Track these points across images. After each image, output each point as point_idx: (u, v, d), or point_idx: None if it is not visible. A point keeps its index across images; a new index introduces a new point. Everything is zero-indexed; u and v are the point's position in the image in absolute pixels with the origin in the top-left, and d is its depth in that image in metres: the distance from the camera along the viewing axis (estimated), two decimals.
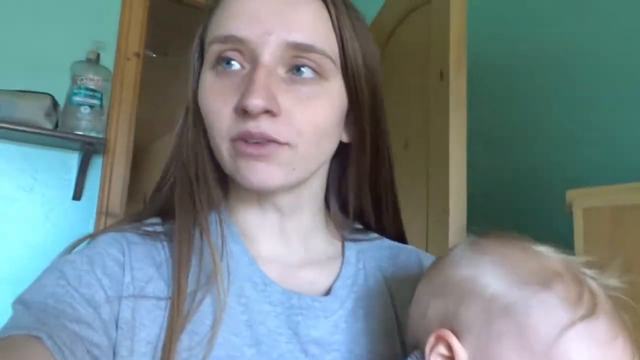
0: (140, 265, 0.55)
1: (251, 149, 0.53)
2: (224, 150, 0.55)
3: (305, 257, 0.62)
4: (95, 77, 1.85)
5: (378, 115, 0.61)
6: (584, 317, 0.44)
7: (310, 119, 0.54)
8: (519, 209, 1.55)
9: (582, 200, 1.13)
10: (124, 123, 2.03)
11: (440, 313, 0.49)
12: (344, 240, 0.65)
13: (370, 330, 0.58)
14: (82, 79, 1.83)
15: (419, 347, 0.50)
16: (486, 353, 0.45)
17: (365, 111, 0.59)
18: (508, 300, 0.45)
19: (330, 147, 0.59)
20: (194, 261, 0.55)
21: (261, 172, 0.54)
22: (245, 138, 0.53)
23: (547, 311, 0.44)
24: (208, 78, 0.56)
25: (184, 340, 0.51)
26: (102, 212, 1.95)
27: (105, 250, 0.56)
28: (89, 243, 0.58)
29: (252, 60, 0.53)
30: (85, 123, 1.80)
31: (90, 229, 1.94)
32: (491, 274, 0.47)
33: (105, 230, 0.60)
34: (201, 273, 0.54)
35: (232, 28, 0.54)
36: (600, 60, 1.52)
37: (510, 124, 1.59)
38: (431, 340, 0.47)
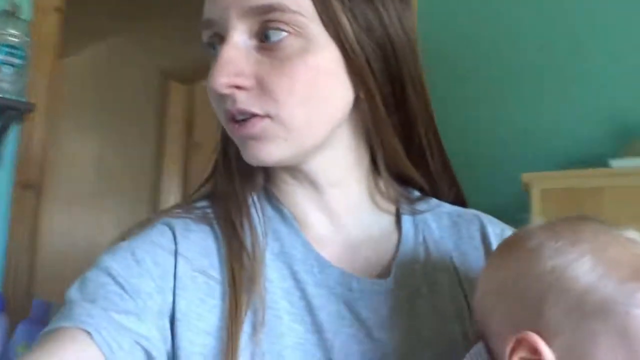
0: (192, 254, 0.54)
1: (238, 131, 0.53)
2: (229, 133, 0.56)
3: (358, 234, 0.60)
4: (16, 33, 1.65)
5: (396, 62, 0.55)
6: None
7: (286, 85, 0.51)
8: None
9: (538, 182, 1.25)
10: (42, 85, 1.84)
11: (517, 310, 0.44)
12: (399, 212, 0.62)
13: (436, 310, 0.56)
14: (1, 34, 1.62)
15: (486, 338, 0.47)
16: (579, 358, 0.41)
17: (363, 62, 0.53)
18: (603, 296, 0.41)
19: (331, 107, 0.54)
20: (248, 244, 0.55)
21: (254, 150, 0.53)
22: (230, 118, 0.53)
23: None
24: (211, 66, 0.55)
25: (245, 331, 0.51)
26: (21, 183, 1.77)
27: (157, 239, 0.54)
28: (141, 230, 0.55)
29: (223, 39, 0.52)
30: (6, 85, 1.60)
31: (6, 202, 1.75)
32: (579, 265, 0.42)
33: (158, 215, 0.58)
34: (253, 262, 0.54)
35: (205, 12, 0.54)
36: (548, 52, 1.66)
37: (463, 106, 1.70)
38: (512, 344, 0.43)
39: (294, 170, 0.58)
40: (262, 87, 0.51)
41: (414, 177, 0.63)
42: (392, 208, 0.63)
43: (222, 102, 0.53)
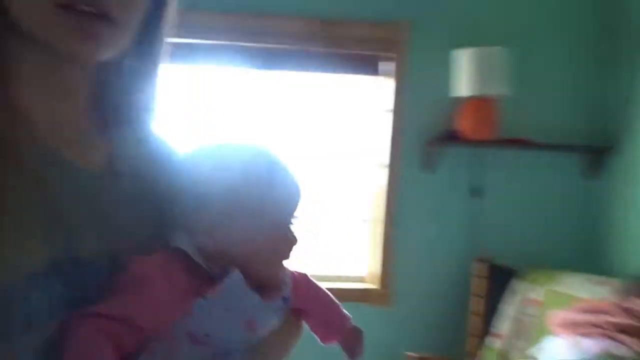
0: None
1: (83, 25, 0.53)
2: (39, 15, 0.54)
3: (84, 129, 0.63)
4: None
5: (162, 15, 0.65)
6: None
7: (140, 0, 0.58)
8: None
9: None
10: None
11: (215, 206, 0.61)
12: (107, 123, 0.67)
13: (150, 194, 0.65)
14: None
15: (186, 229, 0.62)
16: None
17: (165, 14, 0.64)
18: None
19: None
20: None
21: (85, 52, 0.56)
22: (74, 5, 0.52)
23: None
24: None
25: None
26: None
27: None
28: None
29: None
30: None
31: None
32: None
33: None
34: None
35: None
36: None
37: None
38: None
39: (58, 67, 0.59)
40: None
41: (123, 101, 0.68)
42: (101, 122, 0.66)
43: None
